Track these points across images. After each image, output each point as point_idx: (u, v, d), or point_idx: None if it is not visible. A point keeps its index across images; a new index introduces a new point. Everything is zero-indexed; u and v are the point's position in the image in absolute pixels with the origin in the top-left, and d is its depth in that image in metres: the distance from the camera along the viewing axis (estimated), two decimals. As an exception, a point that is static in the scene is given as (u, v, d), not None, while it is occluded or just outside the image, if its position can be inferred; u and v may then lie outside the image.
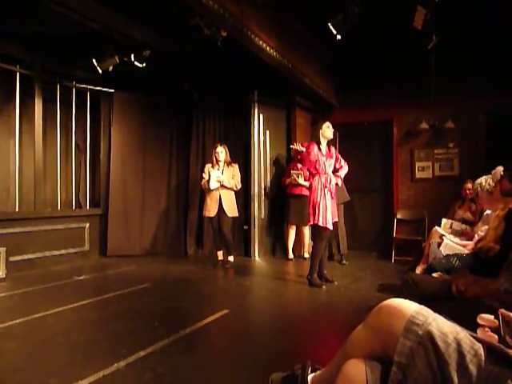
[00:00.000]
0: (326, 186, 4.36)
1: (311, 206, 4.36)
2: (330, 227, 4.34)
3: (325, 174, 4.41)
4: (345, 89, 6.85)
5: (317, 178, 4.39)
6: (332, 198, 4.43)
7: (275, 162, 6.57)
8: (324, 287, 4.33)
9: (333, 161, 4.55)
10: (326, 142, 4.54)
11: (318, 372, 1.60)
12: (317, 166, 4.40)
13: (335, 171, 4.60)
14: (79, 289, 4.40)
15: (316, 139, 4.51)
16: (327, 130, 4.48)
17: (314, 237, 4.52)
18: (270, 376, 1.80)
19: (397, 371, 1.14)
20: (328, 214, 4.31)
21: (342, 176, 4.69)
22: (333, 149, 4.64)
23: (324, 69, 6.34)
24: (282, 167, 6.52)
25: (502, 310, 1.20)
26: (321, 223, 4.27)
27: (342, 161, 4.68)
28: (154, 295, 4.10)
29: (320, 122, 4.65)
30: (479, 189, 3.45)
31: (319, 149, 4.45)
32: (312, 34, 5.50)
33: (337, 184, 4.56)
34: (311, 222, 4.39)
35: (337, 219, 4.61)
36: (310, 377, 1.60)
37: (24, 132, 5.46)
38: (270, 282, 4.62)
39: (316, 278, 4.41)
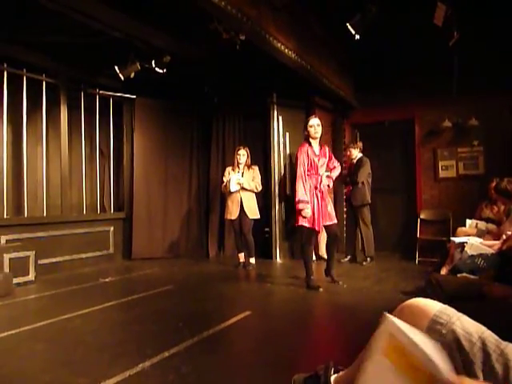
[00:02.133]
0: (316, 187, 4.28)
1: (296, 207, 4.26)
2: (317, 228, 4.24)
3: (316, 174, 4.32)
4: (364, 88, 6.78)
5: (307, 178, 4.29)
6: (323, 198, 4.30)
7: (295, 164, 6.55)
8: (321, 289, 4.20)
9: (326, 160, 4.46)
10: (318, 140, 4.42)
11: (341, 373, 1.60)
12: (309, 166, 4.31)
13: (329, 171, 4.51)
14: (105, 291, 4.50)
15: (306, 138, 4.42)
16: (311, 130, 4.33)
17: (302, 238, 4.40)
18: (293, 377, 1.80)
19: None
20: (316, 215, 4.21)
21: (334, 177, 4.59)
22: (326, 148, 4.55)
23: (343, 68, 6.30)
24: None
25: None
26: (307, 224, 4.21)
27: (336, 161, 4.60)
28: (178, 297, 4.16)
29: (308, 119, 4.51)
30: None
31: (311, 147, 4.37)
32: (330, 33, 5.48)
33: (328, 186, 4.45)
34: (297, 223, 4.29)
35: (335, 221, 4.41)
36: (332, 377, 1.60)
37: (50, 139, 5.63)
38: (291, 283, 4.61)
39: (313, 280, 4.30)
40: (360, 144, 6.05)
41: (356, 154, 6.00)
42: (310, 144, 4.39)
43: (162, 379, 2.19)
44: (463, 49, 4.93)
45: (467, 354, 1.08)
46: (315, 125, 4.34)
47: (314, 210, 4.23)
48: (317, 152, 4.39)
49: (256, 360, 2.54)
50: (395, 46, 5.80)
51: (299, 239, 4.38)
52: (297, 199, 4.23)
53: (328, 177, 4.45)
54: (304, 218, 4.20)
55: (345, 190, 6.31)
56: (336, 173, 4.58)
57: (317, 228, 4.25)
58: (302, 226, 4.26)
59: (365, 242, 5.84)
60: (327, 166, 4.49)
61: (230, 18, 3.60)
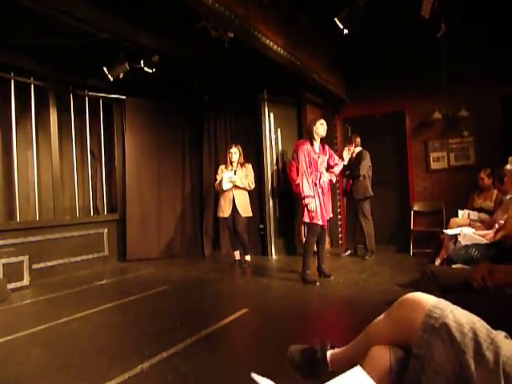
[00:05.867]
0: (315, 184, 4.42)
1: (302, 203, 4.42)
2: (320, 223, 4.40)
3: (316, 171, 4.44)
4: (354, 82, 6.80)
5: (309, 175, 4.43)
6: (324, 194, 4.49)
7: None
8: (318, 283, 4.34)
9: (326, 158, 4.59)
10: (320, 139, 4.57)
11: (337, 349, 1.62)
12: (308, 164, 4.43)
13: (330, 168, 4.65)
14: (101, 293, 4.49)
15: (309, 136, 4.57)
16: (320, 127, 4.52)
17: (306, 233, 4.64)
18: (289, 348, 1.81)
19: (415, 363, 1.18)
20: (318, 210, 4.38)
21: (337, 172, 4.76)
22: (326, 146, 4.67)
23: (333, 63, 6.31)
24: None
25: None
26: (313, 220, 4.36)
27: (336, 158, 4.73)
28: (174, 297, 4.15)
29: (315, 119, 4.67)
30: (506, 171, 3.47)
31: (312, 146, 4.50)
32: (319, 29, 5.48)
33: (331, 180, 4.63)
34: (304, 220, 4.46)
35: (331, 215, 4.67)
36: (328, 353, 1.62)
37: (40, 142, 5.56)
38: (287, 279, 4.63)
39: (309, 275, 4.43)
40: (358, 140, 5.98)
41: (354, 148, 5.91)
42: (311, 143, 4.51)
43: (161, 380, 2.19)
44: (451, 39, 4.95)
45: (459, 345, 1.12)
46: (325, 124, 4.58)
47: (317, 206, 4.38)
48: (317, 150, 4.54)
49: (255, 357, 2.55)
50: (384, 39, 5.80)
51: (314, 234, 4.48)
52: (303, 195, 4.38)
53: (331, 172, 4.62)
54: (310, 212, 4.34)
55: (344, 184, 6.24)
56: (338, 168, 4.73)
57: (321, 223, 4.41)
58: (308, 222, 4.42)
59: (366, 235, 5.81)
60: (328, 163, 4.63)
61: (218, 15, 3.58)
